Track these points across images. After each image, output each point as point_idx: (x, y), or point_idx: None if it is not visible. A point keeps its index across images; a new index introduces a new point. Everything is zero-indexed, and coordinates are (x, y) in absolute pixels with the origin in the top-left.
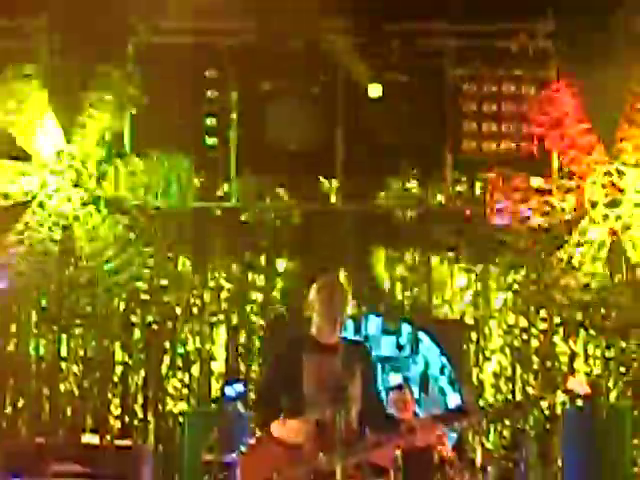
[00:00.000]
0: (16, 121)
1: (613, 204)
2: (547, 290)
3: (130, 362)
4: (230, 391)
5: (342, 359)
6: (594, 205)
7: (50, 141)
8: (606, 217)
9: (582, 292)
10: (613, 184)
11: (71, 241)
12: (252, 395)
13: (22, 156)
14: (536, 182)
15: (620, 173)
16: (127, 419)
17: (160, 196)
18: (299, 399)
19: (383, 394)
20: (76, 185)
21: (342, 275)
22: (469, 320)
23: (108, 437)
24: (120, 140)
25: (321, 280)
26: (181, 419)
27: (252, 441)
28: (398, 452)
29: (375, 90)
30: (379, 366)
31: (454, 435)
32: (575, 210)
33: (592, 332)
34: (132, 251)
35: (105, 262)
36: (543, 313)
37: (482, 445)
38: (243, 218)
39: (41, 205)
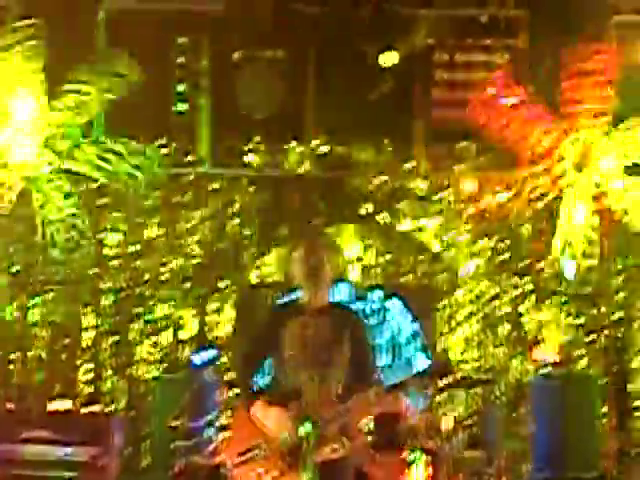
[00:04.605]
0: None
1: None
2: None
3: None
4: (200, 357)
5: (330, 323)
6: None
7: (27, 106)
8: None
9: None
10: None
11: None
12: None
13: None
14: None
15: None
16: (97, 385)
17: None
18: (281, 364)
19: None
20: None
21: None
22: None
23: (78, 403)
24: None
25: (301, 244)
26: (151, 385)
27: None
28: (369, 418)
29: (389, 58)
30: None
31: (424, 401)
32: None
33: (563, 299)
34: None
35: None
36: (514, 280)
37: (451, 412)
38: (214, 184)
39: (5, 166)
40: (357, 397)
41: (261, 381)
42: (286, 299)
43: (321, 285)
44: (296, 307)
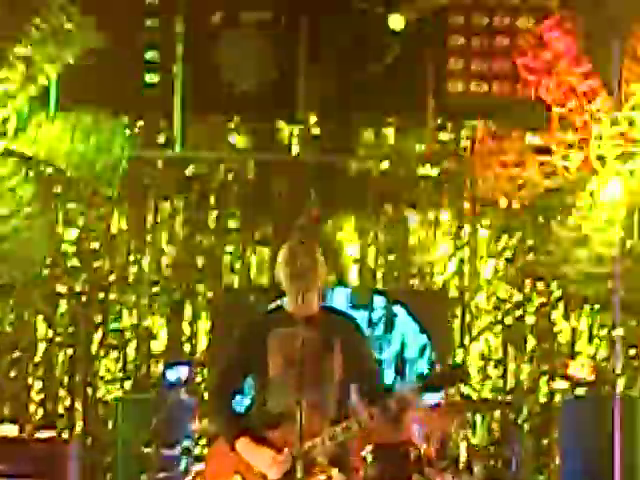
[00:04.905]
0: None
1: (625, 158)
2: (557, 265)
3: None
4: (174, 374)
5: (320, 333)
6: (602, 161)
7: None
8: (618, 174)
9: (596, 265)
10: (623, 134)
11: None
12: (198, 379)
13: None
14: (532, 139)
15: (630, 121)
16: (51, 406)
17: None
18: (263, 384)
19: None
20: None
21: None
22: (453, 292)
23: (28, 428)
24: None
25: (287, 244)
26: (115, 406)
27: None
28: (369, 447)
29: (397, 22)
30: None
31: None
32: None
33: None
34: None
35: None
36: (540, 285)
37: (467, 440)
38: (189, 170)
39: None
40: (352, 420)
41: (240, 404)
42: (271, 306)
43: (310, 289)
44: (281, 316)
